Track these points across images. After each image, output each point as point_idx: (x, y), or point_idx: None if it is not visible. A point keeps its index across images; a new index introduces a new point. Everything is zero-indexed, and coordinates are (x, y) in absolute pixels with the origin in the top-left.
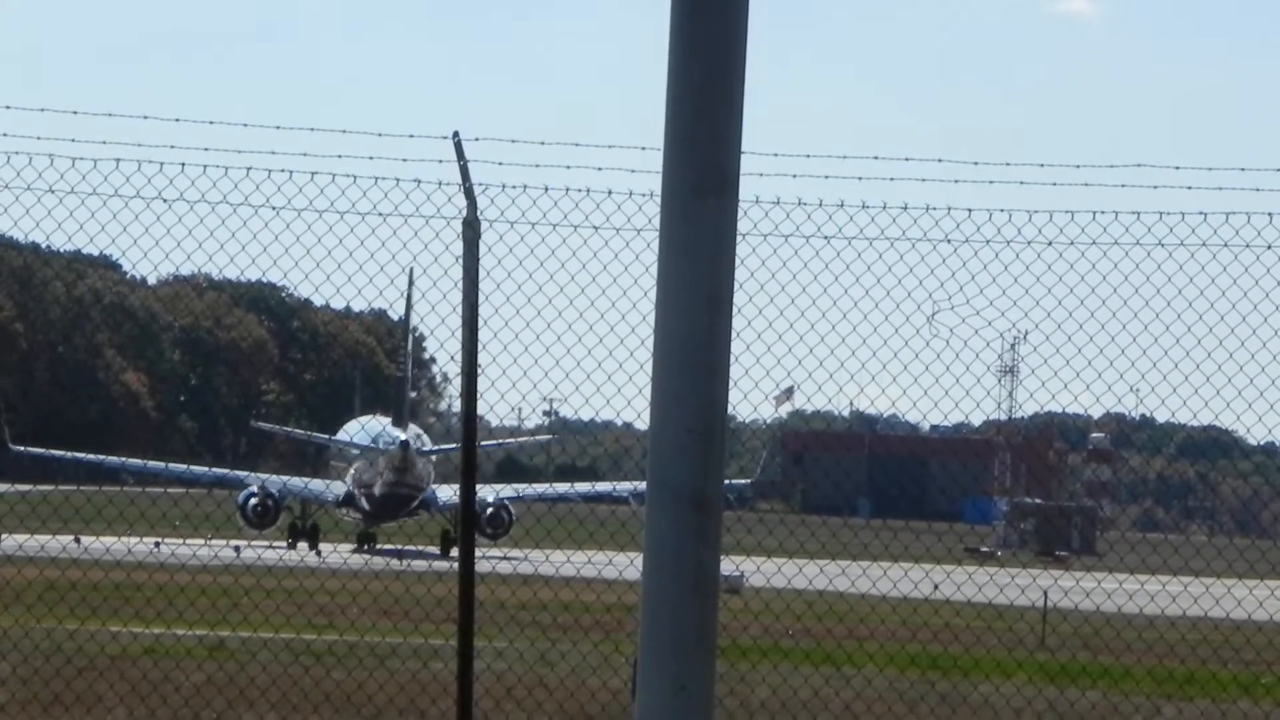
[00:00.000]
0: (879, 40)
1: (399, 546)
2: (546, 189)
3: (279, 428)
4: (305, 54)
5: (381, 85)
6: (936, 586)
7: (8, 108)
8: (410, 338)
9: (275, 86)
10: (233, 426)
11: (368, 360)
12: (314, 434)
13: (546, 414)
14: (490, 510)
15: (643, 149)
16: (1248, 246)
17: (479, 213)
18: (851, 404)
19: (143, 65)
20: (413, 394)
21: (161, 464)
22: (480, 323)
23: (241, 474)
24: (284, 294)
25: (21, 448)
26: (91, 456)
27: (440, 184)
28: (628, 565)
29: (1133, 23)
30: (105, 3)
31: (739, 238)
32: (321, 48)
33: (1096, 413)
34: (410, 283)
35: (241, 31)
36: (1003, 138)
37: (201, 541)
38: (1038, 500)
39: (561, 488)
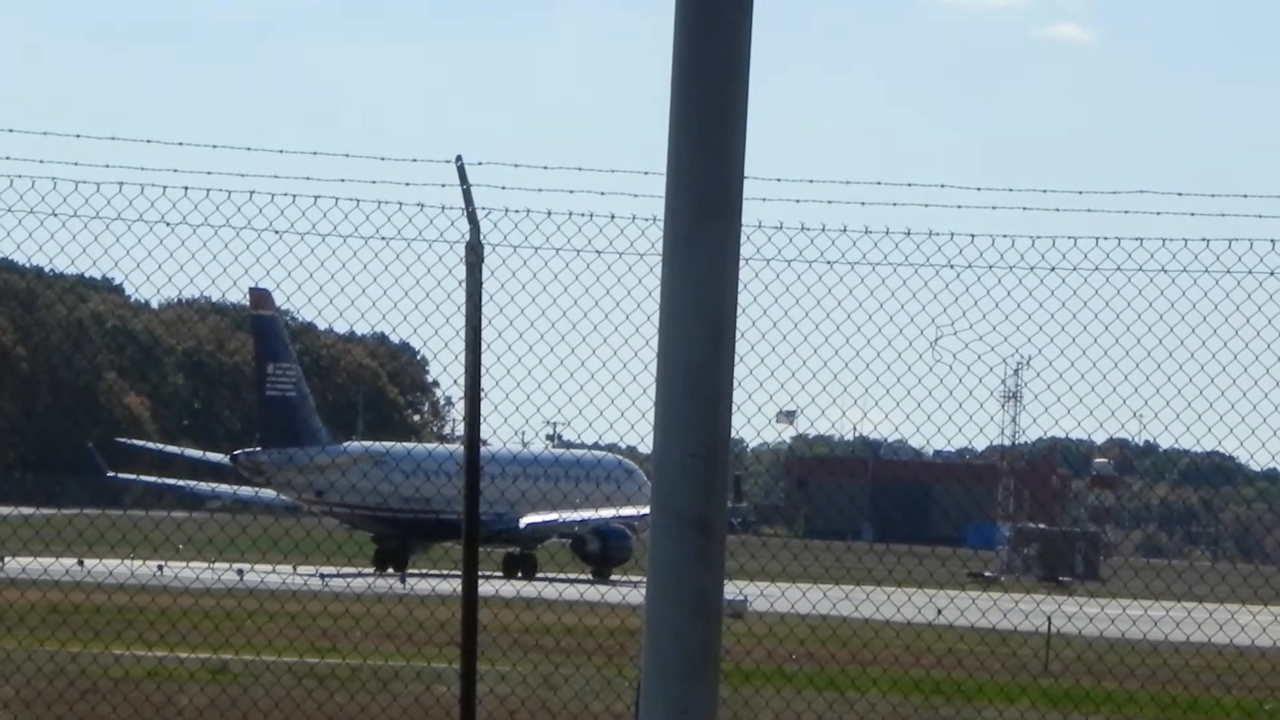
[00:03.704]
0: (878, 68)
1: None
2: (549, 213)
3: (142, 443)
4: (309, 78)
5: (385, 110)
6: (940, 611)
7: (10, 131)
8: (272, 359)
9: (278, 110)
10: (235, 450)
11: (371, 384)
12: (186, 450)
13: (549, 438)
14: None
15: (645, 174)
16: (1250, 273)
17: (482, 237)
18: (855, 428)
19: (140, 84)
20: (415, 417)
21: (251, 491)
22: (483, 346)
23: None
24: (287, 318)
25: (116, 474)
26: (181, 483)
27: (443, 208)
28: (631, 589)
29: (1127, 47)
30: (96, 19)
31: (742, 262)
32: (325, 72)
33: (1100, 438)
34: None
35: (242, 52)
36: (1003, 164)
37: (205, 565)
38: (1041, 525)
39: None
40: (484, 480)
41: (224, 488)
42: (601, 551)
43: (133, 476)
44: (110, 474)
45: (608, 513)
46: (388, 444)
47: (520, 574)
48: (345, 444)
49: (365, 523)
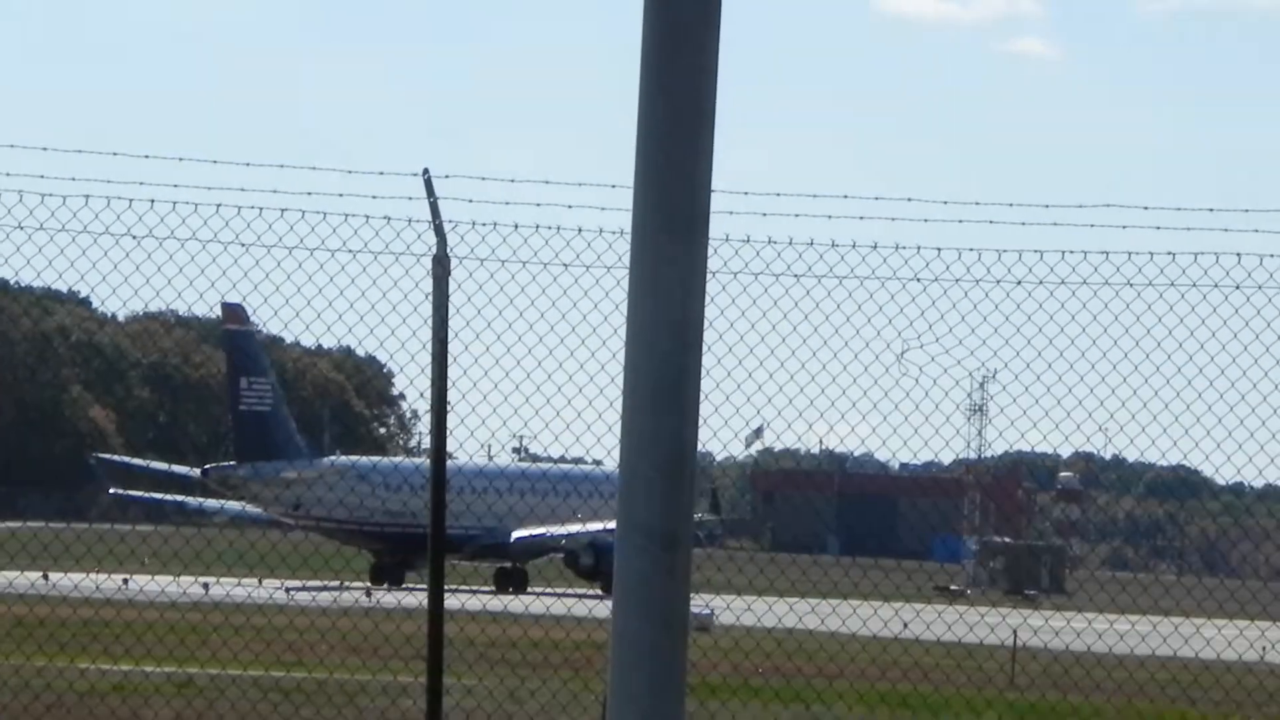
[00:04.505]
0: (843, 82)
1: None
2: (516, 226)
3: (121, 458)
4: (276, 91)
5: (351, 122)
6: (906, 625)
7: None
8: (246, 376)
9: (244, 122)
10: (202, 464)
11: (337, 397)
12: (173, 465)
13: (516, 450)
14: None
15: (613, 186)
16: (1215, 286)
17: (449, 250)
18: (821, 442)
19: (107, 97)
20: (381, 430)
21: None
22: (450, 359)
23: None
24: (253, 331)
25: (120, 491)
26: (187, 500)
27: (410, 221)
28: (597, 603)
29: (1090, 61)
30: (62, 30)
31: (709, 276)
32: (292, 84)
33: (1065, 452)
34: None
35: (209, 64)
36: (970, 178)
37: (170, 578)
38: (1007, 539)
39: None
40: (475, 495)
41: (230, 504)
42: (594, 566)
43: (140, 494)
44: (113, 490)
45: (599, 526)
46: (363, 457)
47: (511, 589)
48: (326, 458)
49: (342, 536)
